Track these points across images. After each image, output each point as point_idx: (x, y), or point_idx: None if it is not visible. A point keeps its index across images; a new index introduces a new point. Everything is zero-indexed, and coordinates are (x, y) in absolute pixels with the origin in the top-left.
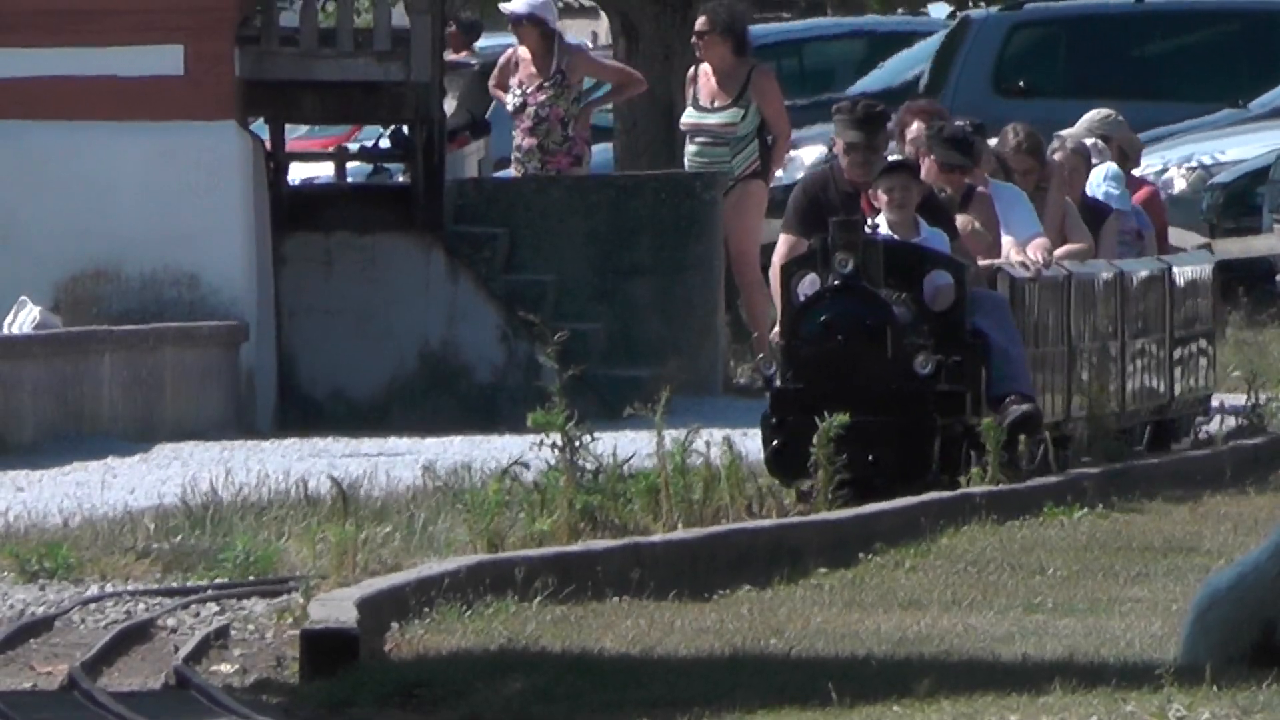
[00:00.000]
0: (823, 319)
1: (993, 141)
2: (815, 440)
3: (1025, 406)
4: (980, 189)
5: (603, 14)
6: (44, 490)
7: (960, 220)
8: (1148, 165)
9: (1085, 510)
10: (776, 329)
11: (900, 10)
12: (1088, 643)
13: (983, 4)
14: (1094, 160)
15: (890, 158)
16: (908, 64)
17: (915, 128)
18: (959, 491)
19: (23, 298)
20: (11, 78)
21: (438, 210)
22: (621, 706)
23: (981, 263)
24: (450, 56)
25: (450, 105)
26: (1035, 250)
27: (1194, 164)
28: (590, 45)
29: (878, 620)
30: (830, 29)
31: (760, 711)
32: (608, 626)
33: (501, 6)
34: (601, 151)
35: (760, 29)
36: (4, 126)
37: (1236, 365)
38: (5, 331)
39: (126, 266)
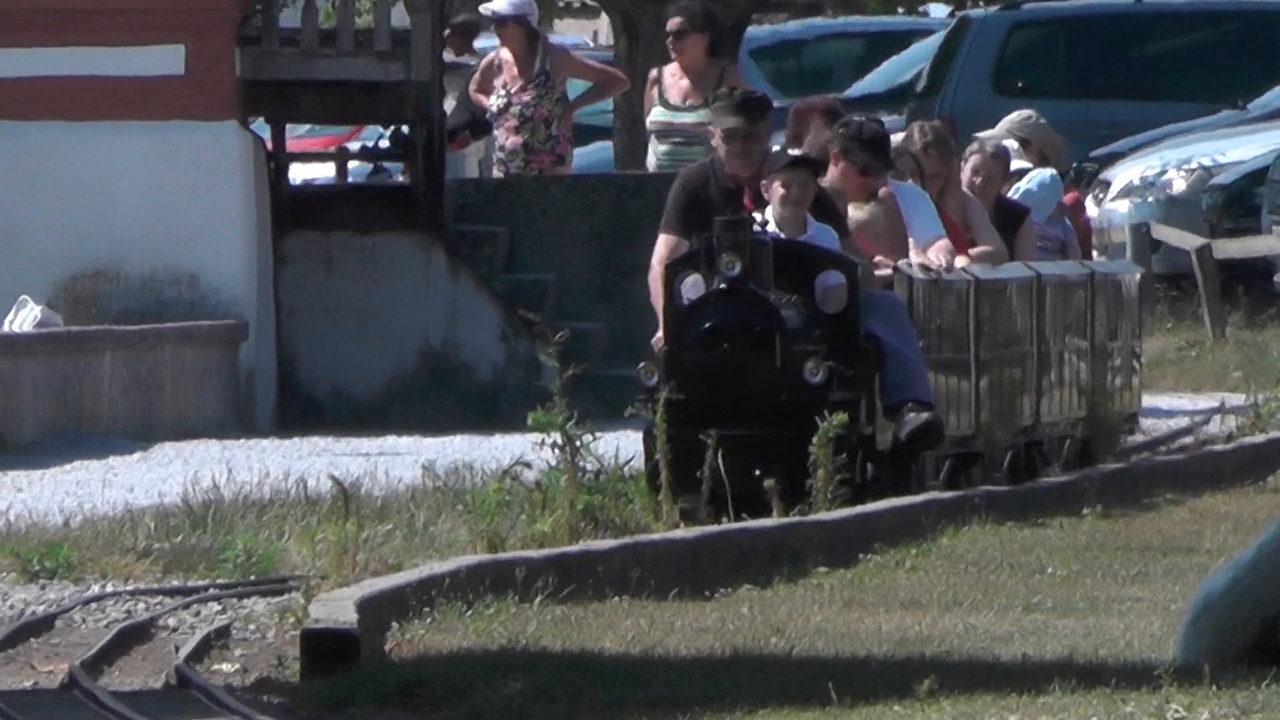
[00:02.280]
0: (708, 325)
1: (897, 138)
2: (815, 441)
3: (925, 415)
4: (882, 189)
5: (603, 13)
6: (44, 489)
7: (864, 211)
8: (1148, 166)
9: (1085, 510)
10: (659, 335)
11: (900, 10)
12: (1087, 643)
13: (982, 4)
14: (1014, 163)
15: (791, 152)
16: (907, 64)
17: (818, 125)
18: (959, 492)
19: (23, 296)
20: (11, 78)
21: (438, 210)
22: (622, 706)
23: (879, 272)
24: (449, 57)
25: (450, 105)
26: (937, 252)
27: (1194, 165)
28: (591, 44)
29: (878, 620)
30: (829, 29)
31: (760, 711)
32: (608, 626)
33: (483, 8)
34: (602, 150)
35: (760, 29)
36: (4, 126)
37: (1236, 365)
38: (6, 330)
39: (126, 266)
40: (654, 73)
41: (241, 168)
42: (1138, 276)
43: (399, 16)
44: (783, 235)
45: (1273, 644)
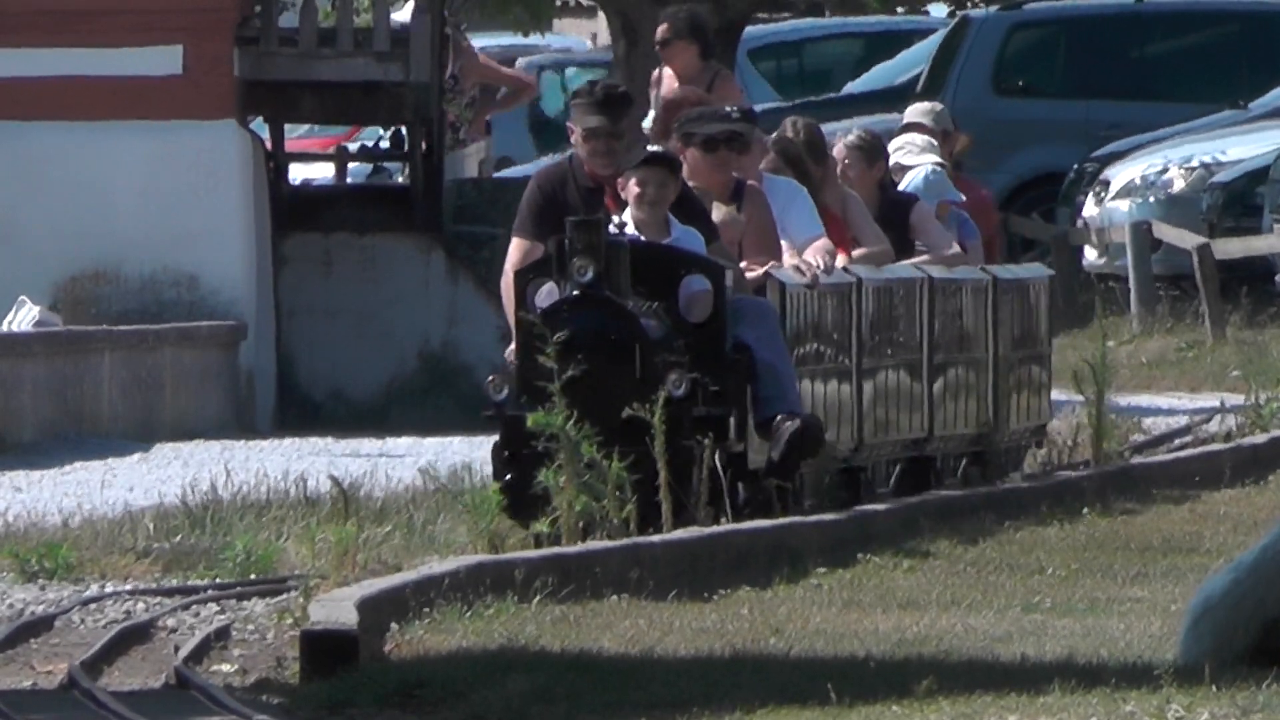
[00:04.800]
0: (560, 335)
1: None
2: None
3: (799, 420)
4: (751, 182)
5: (602, 14)
6: (44, 490)
7: (721, 213)
8: (1149, 165)
9: (1085, 510)
10: (512, 347)
11: (900, 10)
12: (1086, 643)
13: (982, 4)
14: (919, 154)
15: (650, 148)
16: (907, 64)
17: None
18: (958, 491)
19: (22, 297)
20: (11, 78)
21: (437, 210)
22: (621, 706)
23: (751, 275)
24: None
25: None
26: (814, 253)
27: (1194, 164)
28: (590, 45)
29: (877, 620)
30: (829, 29)
31: (760, 711)
32: (607, 627)
33: (393, 17)
34: None
35: (760, 29)
36: (4, 127)
37: (1236, 365)
38: (5, 330)
39: (126, 267)
40: (655, 73)
41: (241, 168)
42: (1046, 281)
43: (398, 17)
44: (643, 238)
45: (1273, 646)
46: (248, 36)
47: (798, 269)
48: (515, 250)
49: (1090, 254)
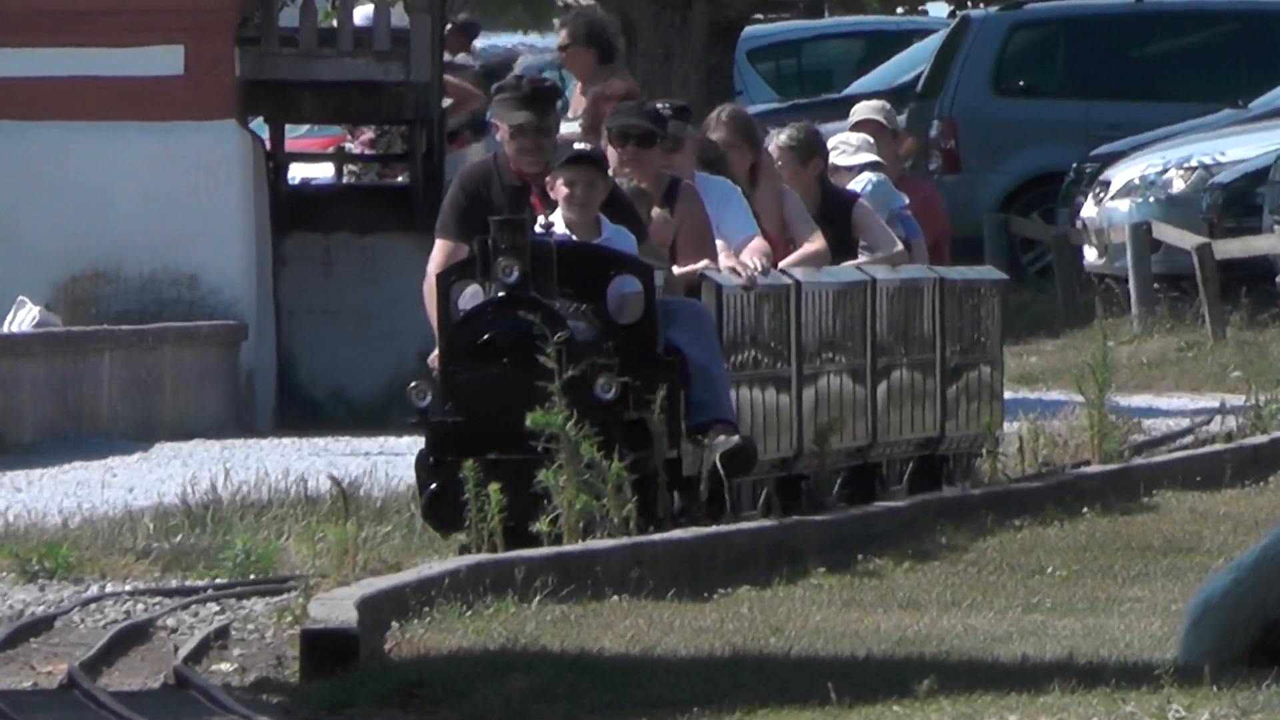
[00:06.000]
0: (484, 338)
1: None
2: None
3: (735, 439)
4: (686, 181)
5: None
6: (44, 490)
7: (655, 214)
8: (1149, 165)
9: (1085, 510)
10: (436, 352)
11: (900, 10)
12: (1087, 643)
13: (982, 4)
14: (854, 154)
15: (576, 146)
16: (907, 64)
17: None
18: (958, 491)
19: (21, 297)
20: (11, 78)
21: (437, 210)
22: (621, 706)
23: (680, 271)
24: (448, 57)
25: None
26: (751, 255)
27: (1194, 164)
28: None
29: (877, 620)
30: (829, 29)
31: (760, 711)
32: (607, 626)
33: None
34: None
35: (760, 29)
36: (4, 127)
37: (1237, 365)
38: (5, 330)
39: (126, 267)
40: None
41: (241, 168)
42: (998, 284)
43: (398, 16)
44: (574, 238)
45: (1274, 646)
46: (248, 36)
47: (734, 270)
48: (438, 252)
49: (1090, 254)
